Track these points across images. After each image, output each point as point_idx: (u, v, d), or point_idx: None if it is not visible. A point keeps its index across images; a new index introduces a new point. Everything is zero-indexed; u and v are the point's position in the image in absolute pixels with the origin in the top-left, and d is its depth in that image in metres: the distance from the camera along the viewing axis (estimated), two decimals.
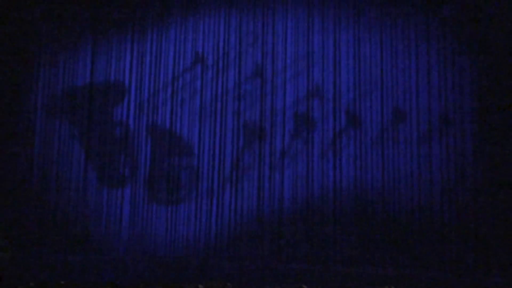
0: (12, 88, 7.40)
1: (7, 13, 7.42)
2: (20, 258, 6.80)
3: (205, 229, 7.01)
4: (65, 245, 7.02)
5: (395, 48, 6.98)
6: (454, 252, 6.48)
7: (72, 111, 7.40)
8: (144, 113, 7.32)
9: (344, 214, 6.81)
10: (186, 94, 7.31)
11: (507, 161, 6.49)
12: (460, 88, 6.75)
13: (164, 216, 7.10)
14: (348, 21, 7.10)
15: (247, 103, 7.19)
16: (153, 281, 6.14)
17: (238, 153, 7.12)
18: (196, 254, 6.94)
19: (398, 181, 6.77)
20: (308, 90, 7.11)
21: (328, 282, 6.22)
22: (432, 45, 6.87)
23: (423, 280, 6.33)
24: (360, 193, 6.81)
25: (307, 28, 7.18)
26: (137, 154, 7.27)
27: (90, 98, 7.39)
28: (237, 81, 7.22)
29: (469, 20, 6.77)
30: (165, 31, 7.41)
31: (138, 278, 6.35)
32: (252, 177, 7.04)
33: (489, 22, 6.67)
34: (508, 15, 6.58)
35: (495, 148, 6.55)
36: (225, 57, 7.27)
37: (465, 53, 6.77)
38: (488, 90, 6.64)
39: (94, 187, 7.23)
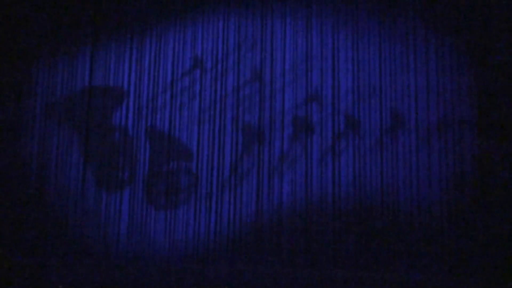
0: (10, 91, 7.39)
1: (5, 16, 7.43)
2: (17, 262, 6.77)
3: (204, 233, 6.99)
4: (63, 249, 6.99)
5: (393, 52, 7.00)
6: (454, 256, 6.47)
7: (71, 115, 7.40)
8: (143, 117, 7.32)
9: (343, 218, 6.80)
10: (185, 98, 7.31)
11: (507, 164, 6.49)
12: (459, 92, 6.76)
13: (162, 220, 7.08)
14: (347, 24, 7.12)
15: (246, 107, 7.19)
16: (152, 286, 6.11)
17: (237, 157, 7.12)
18: (194, 258, 6.91)
19: (397, 184, 6.77)
20: (307, 94, 7.12)
21: (327, 286, 6.20)
22: (431, 48, 6.90)
23: (423, 283, 6.31)
24: (359, 196, 6.81)
25: (306, 32, 7.20)
26: (136, 158, 7.26)
27: (89, 102, 7.39)
28: (236, 85, 7.23)
29: (468, 22, 6.80)
30: (163, 35, 7.43)
31: (136, 283, 6.32)
32: (251, 181, 7.03)
33: (489, 24, 6.69)
34: (508, 16, 6.60)
35: (494, 151, 6.55)
36: (223, 61, 7.29)
37: (464, 56, 6.80)
38: (488, 93, 6.65)
39: (93, 191, 7.21)
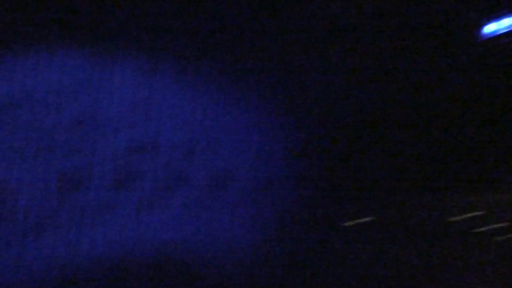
0: None
1: None
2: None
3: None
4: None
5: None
6: None
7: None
8: None
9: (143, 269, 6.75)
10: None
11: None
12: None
13: None
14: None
15: (65, 151, 6.97)
16: None
17: (52, 202, 6.87)
18: None
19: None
20: (130, 144, 7.03)
21: None
22: None
23: None
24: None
25: (137, 82, 7.15)
26: None
27: None
28: (54, 128, 7.00)
29: None
30: None
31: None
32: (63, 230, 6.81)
33: None
34: None
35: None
36: (45, 99, 7.03)
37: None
38: None
39: None
